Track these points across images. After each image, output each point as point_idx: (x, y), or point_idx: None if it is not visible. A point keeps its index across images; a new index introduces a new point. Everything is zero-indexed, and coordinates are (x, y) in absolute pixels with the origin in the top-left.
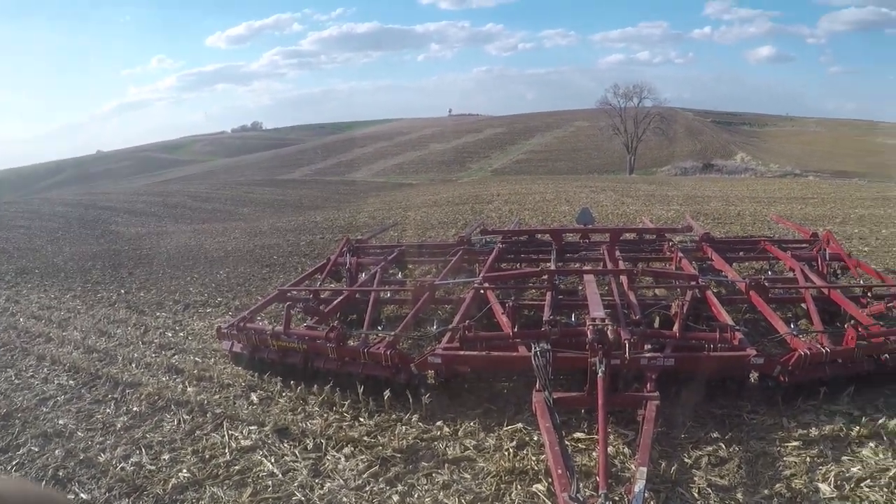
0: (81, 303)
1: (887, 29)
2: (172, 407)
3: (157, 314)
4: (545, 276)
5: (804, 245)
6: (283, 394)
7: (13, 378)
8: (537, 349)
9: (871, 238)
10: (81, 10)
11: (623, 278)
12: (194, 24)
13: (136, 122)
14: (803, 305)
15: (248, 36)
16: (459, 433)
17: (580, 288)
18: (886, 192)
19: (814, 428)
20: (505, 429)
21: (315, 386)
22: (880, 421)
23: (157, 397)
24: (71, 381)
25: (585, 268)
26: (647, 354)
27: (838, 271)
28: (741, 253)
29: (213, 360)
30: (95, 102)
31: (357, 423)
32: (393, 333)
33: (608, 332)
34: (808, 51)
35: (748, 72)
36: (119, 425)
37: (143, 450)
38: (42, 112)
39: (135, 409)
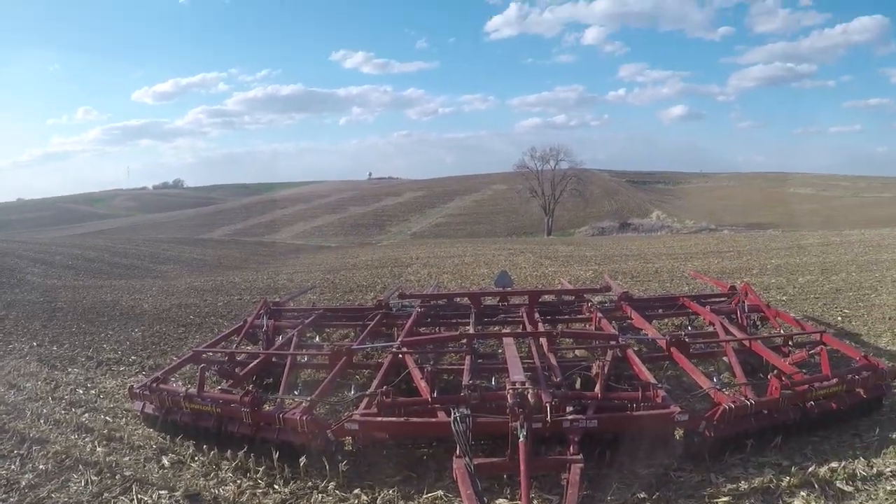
0: None
1: (793, 83)
2: (80, 467)
3: (69, 370)
4: (464, 340)
5: (723, 299)
6: (196, 458)
7: None
8: (457, 414)
9: (788, 287)
10: (7, 54)
11: (543, 340)
12: (122, 77)
13: (58, 173)
14: (725, 359)
15: (175, 93)
16: (378, 502)
17: (500, 351)
18: (800, 240)
19: (743, 482)
20: (425, 496)
21: (229, 451)
22: (810, 469)
23: (64, 456)
24: None
25: (505, 331)
26: (569, 417)
27: (758, 322)
28: (660, 310)
29: (124, 420)
30: (18, 149)
31: (272, 491)
32: (309, 398)
33: (528, 396)
34: (719, 108)
35: (662, 131)
36: (23, 483)
37: None
38: None
39: (41, 466)
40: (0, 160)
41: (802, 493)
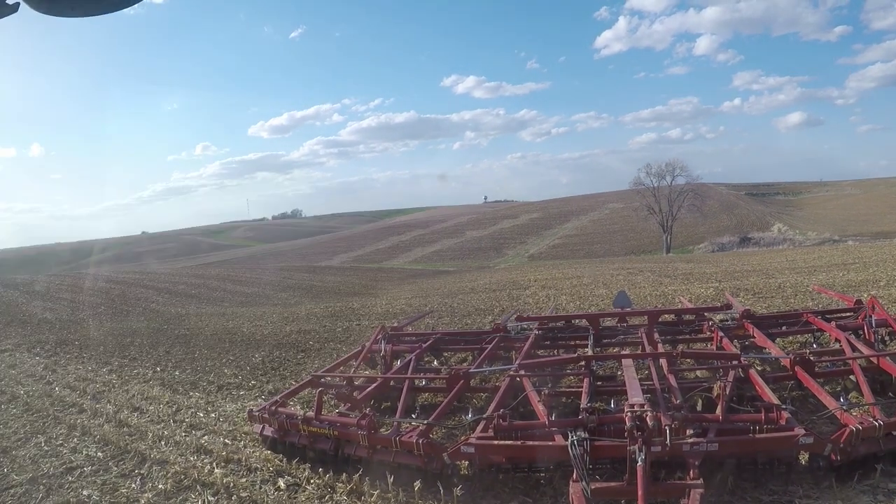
0: (117, 377)
1: None
2: (198, 487)
3: (191, 394)
4: (582, 362)
5: (848, 314)
6: (312, 481)
7: (42, 444)
8: (574, 438)
9: None
10: (128, 97)
11: (662, 361)
12: (238, 113)
13: (179, 206)
14: (852, 377)
15: (290, 126)
16: None
17: (619, 373)
18: None
19: None
20: None
21: (344, 474)
22: None
23: (183, 476)
24: (99, 453)
25: (623, 352)
26: (689, 440)
27: (886, 338)
28: (783, 328)
29: (242, 442)
30: (141, 185)
31: None
32: (426, 422)
33: (648, 419)
34: (838, 112)
35: (779, 140)
36: (143, 501)
37: None
38: (91, 192)
39: (160, 486)
40: (125, 197)
41: None
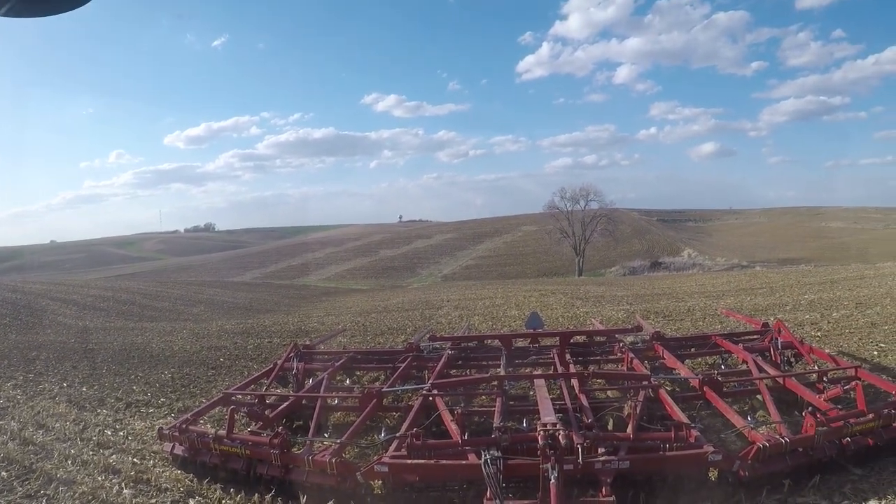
0: (22, 392)
1: (825, 116)
2: None
3: (98, 411)
4: (495, 382)
5: (755, 336)
6: (223, 501)
7: None
8: (487, 456)
9: (822, 322)
10: (43, 98)
11: (574, 381)
12: (155, 121)
13: (90, 215)
14: (759, 397)
15: (207, 137)
16: None
17: (531, 393)
18: (833, 275)
19: None
20: None
21: (256, 494)
22: None
23: (91, 497)
24: (3, 473)
25: (536, 373)
26: (601, 458)
27: (792, 359)
28: (693, 349)
29: (152, 462)
30: (51, 192)
31: None
32: (339, 441)
33: (560, 437)
34: (750, 144)
35: (692, 169)
36: None
37: None
38: None
39: None
40: (33, 203)
41: None
